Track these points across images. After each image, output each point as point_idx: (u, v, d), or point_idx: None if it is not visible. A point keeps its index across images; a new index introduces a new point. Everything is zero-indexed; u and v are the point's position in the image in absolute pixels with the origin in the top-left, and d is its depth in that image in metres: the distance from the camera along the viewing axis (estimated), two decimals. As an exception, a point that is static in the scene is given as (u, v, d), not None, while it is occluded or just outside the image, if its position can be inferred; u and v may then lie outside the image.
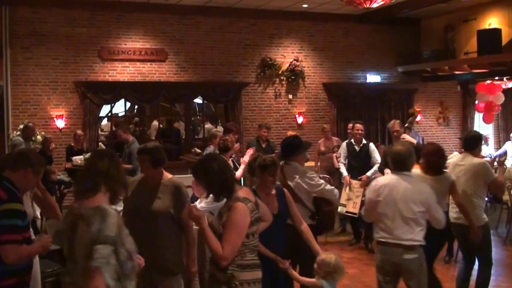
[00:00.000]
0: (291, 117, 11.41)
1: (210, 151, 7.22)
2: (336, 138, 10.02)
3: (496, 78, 10.90)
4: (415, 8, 10.92)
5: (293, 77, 11.18)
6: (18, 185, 3.06)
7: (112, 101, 9.93)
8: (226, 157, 5.97)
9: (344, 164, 7.01)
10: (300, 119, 11.41)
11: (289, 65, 11.12)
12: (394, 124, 6.49)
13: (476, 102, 13.17)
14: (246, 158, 5.99)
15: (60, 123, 9.52)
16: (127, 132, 7.80)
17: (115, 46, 9.87)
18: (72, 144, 8.79)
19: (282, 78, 11.17)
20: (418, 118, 12.44)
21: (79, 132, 8.77)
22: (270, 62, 10.92)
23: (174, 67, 10.33)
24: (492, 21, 10.42)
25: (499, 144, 13.30)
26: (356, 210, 6.69)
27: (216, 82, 10.61)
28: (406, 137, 6.21)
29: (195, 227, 3.50)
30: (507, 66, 9.54)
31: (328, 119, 11.68)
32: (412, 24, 12.21)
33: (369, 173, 6.75)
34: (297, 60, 11.18)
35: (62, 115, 9.54)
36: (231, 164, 6.21)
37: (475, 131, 5.62)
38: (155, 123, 11.42)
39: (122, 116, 11.42)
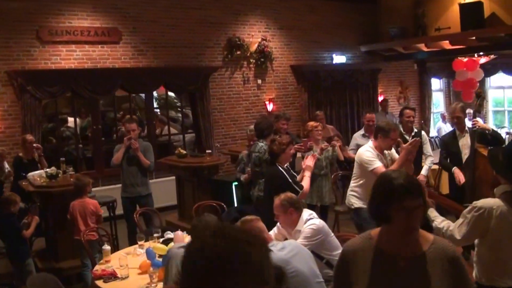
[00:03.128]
0: (261, 105, 10.27)
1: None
2: (332, 126, 9.15)
3: (475, 54, 10.69)
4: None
5: (262, 60, 10.03)
6: None
7: (58, 94, 7.96)
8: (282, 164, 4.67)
9: None
10: (270, 106, 10.31)
11: (258, 45, 9.94)
12: (456, 108, 5.53)
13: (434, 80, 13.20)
14: (310, 163, 4.74)
15: (-9, 127, 7.41)
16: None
17: (58, 25, 7.89)
18: (21, 155, 6.75)
19: (251, 60, 9.96)
20: (381, 98, 12.09)
21: (30, 137, 6.69)
22: (239, 43, 9.65)
23: (130, 50, 8.61)
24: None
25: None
26: None
27: (180, 67, 9.09)
28: (479, 122, 5.40)
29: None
30: (492, 41, 9.30)
31: (298, 104, 10.77)
32: (372, 1, 11.64)
33: (424, 172, 5.82)
34: (266, 40, 10.04)
35: (-7, 116, 7.44)
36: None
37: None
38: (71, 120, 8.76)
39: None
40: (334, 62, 11.26)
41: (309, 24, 10.80)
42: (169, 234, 4.54)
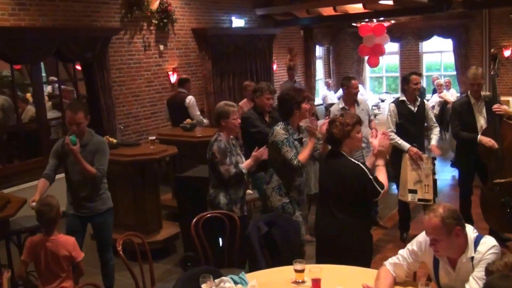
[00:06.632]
0: (164, 76, 8.90)
1: (222, 142, 4.14)
2: (262, 98, 8.26)
3: (367, 20, 10.79)
4: None
5: (165, 21, 8.60)
6: None
7: None
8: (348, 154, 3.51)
9: (394, 132, 5.44)
10: (173, 78, 8.99)
11: (160, 3, 8.47)
12: (478, 74, 5.11)
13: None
14: (383, 144, 3.56)
15: None
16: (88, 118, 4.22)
17: None
18: None
19: (152, 21, 8.46)
20: (275, 67, 11.67)
21: None
22: (139, -1, 8.07)
23: (9, 3, 6.45)
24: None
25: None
26: (431, 196, 5.24)
27: (74, 28, 7.21)
28: (502, 106, 5.04)
29: None
30: (403, 5, 9.47)
31: (200, 75, 9.65)
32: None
33: (434, 141, 5.37)
34: (167, -3, 8.63)
35: None
36: None
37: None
38: None
39: None
40: (233, 26, 10.33)
41: (208, -19, 9.67)
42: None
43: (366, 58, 12.68)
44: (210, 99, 9.67)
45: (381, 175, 3.47)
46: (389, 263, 2.89)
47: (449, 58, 12.24)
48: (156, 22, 8.50)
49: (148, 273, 3.56)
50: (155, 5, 8.41)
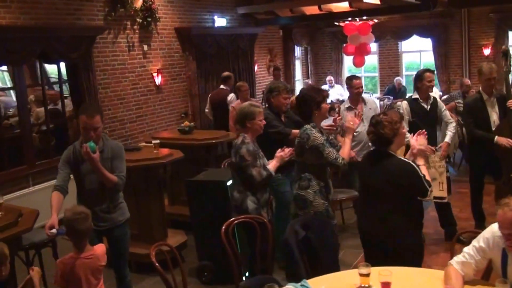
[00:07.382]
0: (148, 77, 8.58)
1: (250, 144, 3.97)
2: (255, 99, 8.08)
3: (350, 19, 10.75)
4: None
5: (148, 20, 8.31)
6: None
7: None
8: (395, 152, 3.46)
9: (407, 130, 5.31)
10: (158, 79, 8.69)
11: (144, 1, 8.17)
12: (492, 67, 5.13)
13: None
14: (423, 143, 3.60)
15: None
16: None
17: None
18: None
19: (137, 20, 8.15)
20: (256, 68, 11.51)
21: None
22: (123, -4, 7.76)
23: (-13, -1, 6.06)
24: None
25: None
26: (445, 193, 5.18)
27: (58, 27, 6.84)
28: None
29: None
30: (394, 3, 9.49)
31: (185, 76, 9.37)
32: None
33: (448, 139, 5.31)
34: (151, -5, 8.34)
35: None
36: None
37: None
38: None
39: None
40: (216, 25, 10.10)
41: (189, -21, 9.43)
42: None
43: (346, 58, 12.80)
44: (195, 102, 9.42)
45: (426, 174, 3.37)
46: (456, 262, 2.77)
47: (428, 58, 12.38)
48: (140, 20, 8.20)
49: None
50: (139, 3, 8.12)
